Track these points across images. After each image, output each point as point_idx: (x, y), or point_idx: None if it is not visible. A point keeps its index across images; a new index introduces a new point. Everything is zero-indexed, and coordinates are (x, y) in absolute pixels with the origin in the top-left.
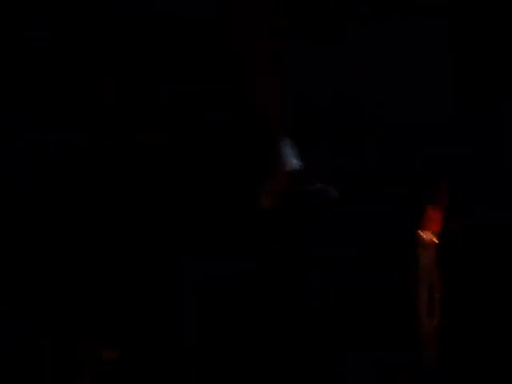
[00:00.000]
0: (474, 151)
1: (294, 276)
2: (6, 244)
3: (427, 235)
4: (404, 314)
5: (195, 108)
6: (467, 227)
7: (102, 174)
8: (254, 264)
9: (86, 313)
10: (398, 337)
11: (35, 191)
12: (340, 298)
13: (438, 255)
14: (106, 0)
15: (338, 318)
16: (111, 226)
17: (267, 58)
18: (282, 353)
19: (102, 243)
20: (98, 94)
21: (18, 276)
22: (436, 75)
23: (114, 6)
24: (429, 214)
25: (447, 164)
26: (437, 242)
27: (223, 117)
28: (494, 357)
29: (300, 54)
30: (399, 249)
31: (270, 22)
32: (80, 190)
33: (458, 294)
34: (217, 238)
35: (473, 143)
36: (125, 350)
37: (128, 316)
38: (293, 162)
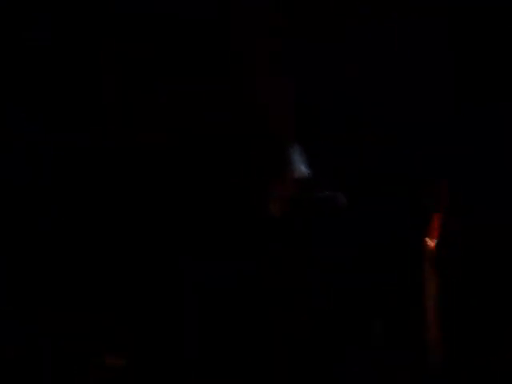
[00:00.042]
0: (474, 151)
1: (293, 276)
2: (6, 244)
3: (433, 243)
4: (404, 313)
5: (195, 108)
6: (467, 227)
7: (102, 173)
8: (254, 264)
9: (86, 312)
10: (399, 337)
11: (35, 191)
12: (340, 298)
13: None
14: (106, 0)
15: (337, 318)
16: (111, 226)
17: (267, 57)
18: (282, 353)
19: (102, 243)
20: (98, 94)
21: (18, 276)
22: (436, 75)
23: (114, 5)
24: (434, 222)
25: (447, 164)
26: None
27: (223, 117)
28: (494, 357)
29: (300, 54)
30: (399, 249)
31: (269, 21)
32: (80, 190)
33: (458, 294)
34: (217, 238)
35: (473, 143)
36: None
37: (128, 316)
38: (301, 168)
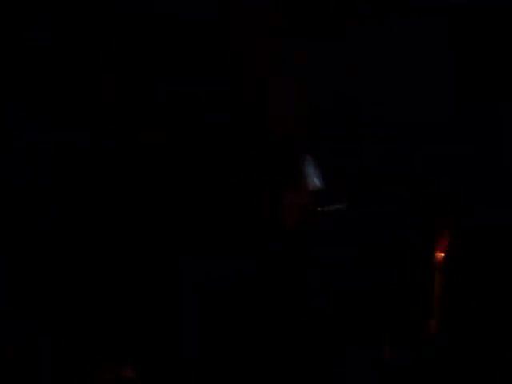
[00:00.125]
0: (474, 151)
1: (293, 276)
2: (6, 244)
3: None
4: (404, 314)
5: (195, 108)
6: (467, 227)
7: (102, 174)
8: (254, 264)
9: (86, 312)
10: (398, 337)
11: (35, 191)
12: (340, 298)
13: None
14: (106, 0)
15: (337, 318)
16: (111, 226)
17: (267, 57)
18: (282, 353)
19: (103, 243)
20: (98, 94)
21: (17, 276)
22: (436, 75)
23: (114, 5)
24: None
25: (447, 164)
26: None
27: (223, 117)
28: (494, 357)
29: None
30: (399, 249)
31: (269, 22)
32: (80, 190)
33: (458, 294)
34: (217, 239)
35: (473, 143)
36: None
37: (128, 316)
38: (315, 181)
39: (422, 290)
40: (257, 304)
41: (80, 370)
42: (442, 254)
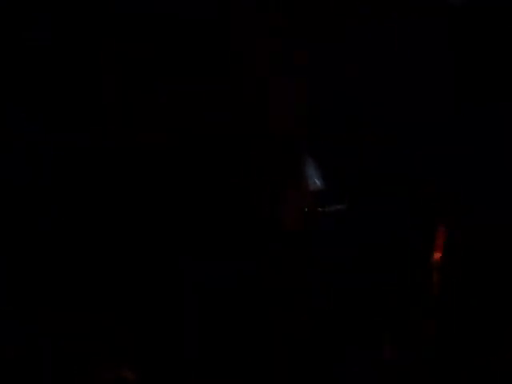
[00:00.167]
0: (474, 151)
1: (293, 276)
2: (6, 244)
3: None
4: (404, 314)
5: (195, 108)
6: (467, 227)
7: (102, 174)
8: (254, 264)
9: (86, 312)
10: (398, 337)
11: (35, 191)
12: (340, 298)
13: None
14: (106, 0)
15: (338, 318)
16: (111, 226)
17: (267, 57)
18: (282, 353)
19: (103, 243)
20: (98, 94)
21: (17, 276)
22: (436, 75)
23: (114, 5)
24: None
25: (447, 164)
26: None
27: (223, 117)
28: (494, 357)
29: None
30: (399, 249)
31: (270, 21)
32: (80, 190)
33: (458, 293)
34: (217, 239)
35: (473, 143)
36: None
37: (128, 316)
38: (316, 181)
39: (422, 290)
40: (257, 304)
41: (80, 370)
42: (442, 254)
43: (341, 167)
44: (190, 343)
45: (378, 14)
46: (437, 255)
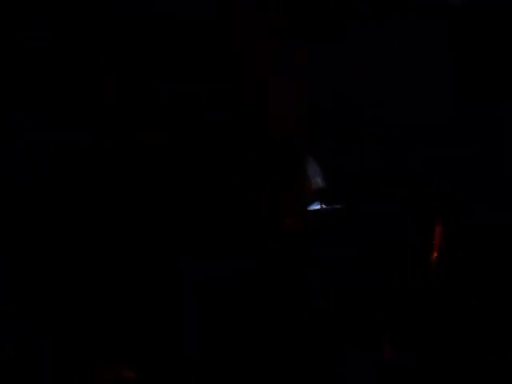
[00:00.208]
0: (474, 151)
1: (293, 276)
2: (6, 244)
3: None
4: (404, 314)
5: (195, 108)
6: (467, 227)
7: (102, 174)
8: (254, 264)
9: (86, 312)
10: (398, 337)
11: (35, 191)
12: (340, 298)
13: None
14: (106, 0)
15: (337, 318)
16: (111, 226)
17: (267, 57)
18: (282, 353)
19: (102, 243)
20: (98, 94)
21: (17, 276)
22: (436, 75)
23: (114, 5)
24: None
25: (447, 164)
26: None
27: (223, 117)
28: (494, 357)
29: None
30: (399, 249)
31: (270, 21)
32: (80, 190)
33: (458, 293)
34: (217, 239)
35: (473, 143)
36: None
37: (128, 316)
38: (317, 180)
39: (422, 290)
40: (257, 304)
41: (80, 370)
42: (442, 254)
43: (341, 167)
44: (190, 343)
45: (377, 13)
46: (437, 255)
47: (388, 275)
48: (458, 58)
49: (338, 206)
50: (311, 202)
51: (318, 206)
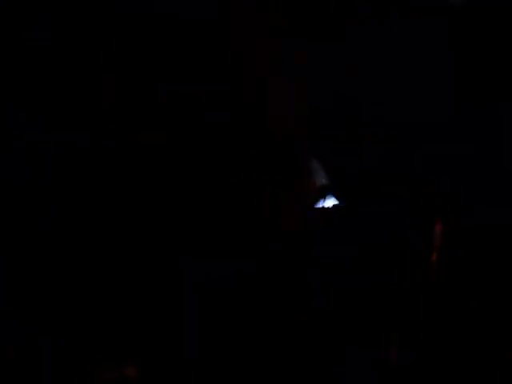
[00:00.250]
0: (474, 151)
1: (293, 276)
2: (6, 244)
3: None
4: (404, 313)
5: (195, 108)
6: (467, 227)
7: (102, 174)
8: (254, 264)
9: (86, 312)
10: (398, 337)
11: (35, 191)
12: (340, 298)
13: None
14: (106, 0)
15: (337, 318)
16: (111, 226)
17: (267, 57)
18: (282, 353)
19: (102, 243)
20: (98, 94)
21: (17, 276)
22: (436, 75)
23: (114, 5)
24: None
25: (447, 164)
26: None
27: (223, 117)
28: (494, 357)
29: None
30: (399, 249)
31: (270, 21)
32: (80, 190)
33: (458, 293)
34: (217, 238)
35: (473, 143)
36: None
37: (128, 316)
38: (319, 177)
39: (422, 290)
40: (257, 304)
41: (80, 370)
42: (442, 254)
43: (341, 167)
44: (190, 343)
45: (377, 13)
46: (437, 255)
47: (388, 275)
48: (457, 57)
49: (340, 204)
50: (316, 200)
51: (323, 204)
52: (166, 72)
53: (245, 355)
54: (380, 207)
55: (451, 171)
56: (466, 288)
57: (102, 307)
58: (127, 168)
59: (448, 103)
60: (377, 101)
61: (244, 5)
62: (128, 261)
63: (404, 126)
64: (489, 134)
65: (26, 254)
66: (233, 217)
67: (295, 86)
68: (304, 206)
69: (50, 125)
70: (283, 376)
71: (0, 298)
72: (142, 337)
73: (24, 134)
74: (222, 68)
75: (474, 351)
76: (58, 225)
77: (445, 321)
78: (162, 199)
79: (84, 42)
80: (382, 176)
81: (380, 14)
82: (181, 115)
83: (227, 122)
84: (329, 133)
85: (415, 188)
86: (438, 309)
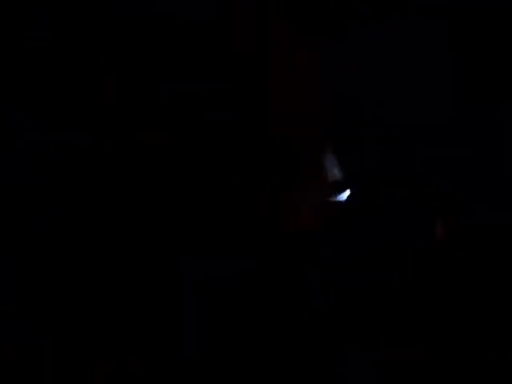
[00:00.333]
0: (474, 151)
1: (293, 276)
2: (6, 244)
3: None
4: (404, 313)
5: (195, 108)
6: (467, 227)
7: (102, 174)
8: (254, 264)
9: (86, 312)
10: (398, 337)
11: (35, 191)
12: (340, 298)
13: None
14: (106, 0)
15: (338, 318)
16: (111, 226)
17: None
18: (282, 353)
19: (102, 243)
20: (98, 94)
21: (17, 276)
22: (436, 75)
23: (114, 5)
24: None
25: (447, 164)
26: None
27: (223, 117)
28: (494, 357)
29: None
30: (399, 249)
31: (270, 21)
32: (80, 190)
33: (458, 293)
34: (217, 238)
35: (473, 143)
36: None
37: (128, 316)
38: (334, 173)
39: (422, 290)
40: (257, 304)
41: (80, 370)
42: (442, 254)
43: (340, 167)
44: (190, 343)
45: (377, 13)
46: (437, 255)
47: (388, 275)
48: (457, 57)
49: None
50: (330, 194)
51: (338, 198)
52: (165, 72)
53: (245, 355)
54: (380, 207)
55: (451, 171)
56: (466, 288)
57: (102, 307)
58: (127, 168)
59: (448, 103)
60: (377, 101)
61: (244, 5)
62: (128, 261)
63: (404, 125)
64: (489, 134)
65: (26, 254)
66: (233, 217)
67: (295, 86)
68: (317, 201)
69: (50, 125)
70: (283, 376)
71: (0, 298)
72: (142, 337)
73: (24, 133)
74: (221, 68)
75: (474, 351)
76: (58, 225)
77: (445, 321)
78: (162, 199)
79: (84, 42)
80: (382, 176)
81: (380, 13)
82: (181, 115)
83: (227, 122)
84: (329, 133)
85: (415, 188)
86: (438, 309)
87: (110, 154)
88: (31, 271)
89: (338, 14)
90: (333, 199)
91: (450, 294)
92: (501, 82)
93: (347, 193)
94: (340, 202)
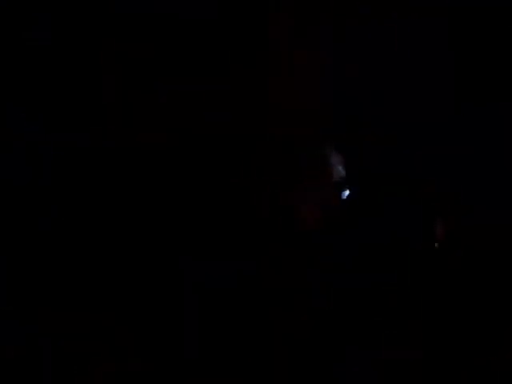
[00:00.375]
0: (474, 151)
1: (293, 276)
2: (6, 244)
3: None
4: (404, 313)
5: (195, 108)
6: (467, 227)
7: (102, 174)
8: (254, 264)
9: (86, 312)
10: (398, 337)
11: (35, 191)
12: (340, 298)
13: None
14: (106, 0)
15: (338, 318)
16: (111, 227)
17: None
18: (282, 353)
19: (102, 243)
20: (98, 94)
21: (17, 276)
22: (436, 75)
23: (114, 5)
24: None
25: (447, 164)
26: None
27: (223, 117)
28: (494, 357)
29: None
30: (399, 249)
31: (270, 21)
32: (80, 190)
33: (458, 293)
34: (217, 238)
35: (473, 143)
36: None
37: (128, 316)
38: (340, 170)
39: (422, 290)
40: (257, 304)
41: (80, 370)
42: (442, 254)
43: (341, 167)
44: (190, 343)
45: (377, 13)
46: (437, 255)
47: (388, 275)
48: (457, 57)
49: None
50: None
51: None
52: (166, 72)
53: (245, 355)
54: (380, 207)
55: (451, 171)
56: (466, 288)
57: (102, 307)
58: (127, 168)
59: (448, 103)
60: (377, 101)
61: (244, 5)
62: (128, 261)
63: (404, 125)
64: (489, 134)
65: (26, 254)
66: (233, 217)
67: (295, 86)
68: (317, 201)
69: (50, 125)
70: (283, 376)
71: (0, 298)
72: (142, 337)
73: (24, 133)
74: (222, 68)
75: (474, 351)
76: (58, 225)
77: (445, 321)
78: (162, 199)
79: (84, 42)
80: (382, 176)
81: (380, 13)
82: (181, 115)
83: (227, 122)
84: (329, 133)
85: (415, 188)
86: (437, 309)
87: (110, 154)
88: (31, 271)
89: (338, 14)
90: (333, 199)
91: (450, 294)
92: (501, 81)
93: (347, 193)
94: (340, 202)
